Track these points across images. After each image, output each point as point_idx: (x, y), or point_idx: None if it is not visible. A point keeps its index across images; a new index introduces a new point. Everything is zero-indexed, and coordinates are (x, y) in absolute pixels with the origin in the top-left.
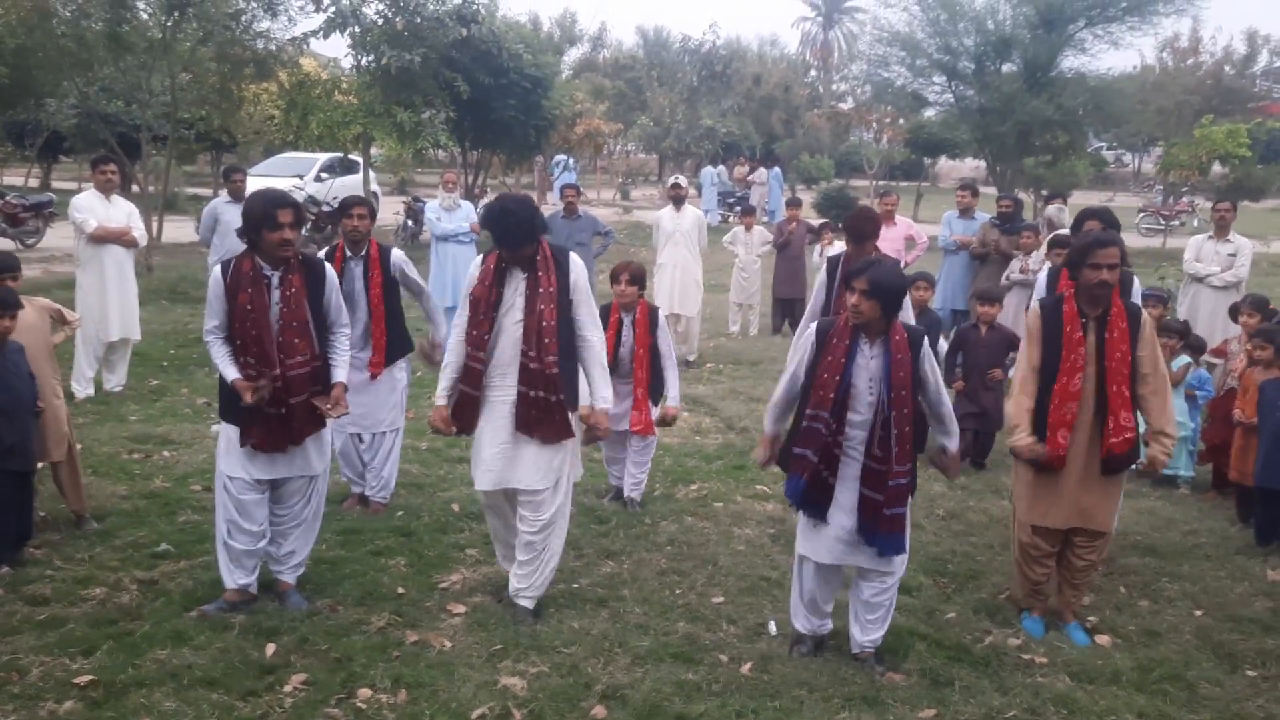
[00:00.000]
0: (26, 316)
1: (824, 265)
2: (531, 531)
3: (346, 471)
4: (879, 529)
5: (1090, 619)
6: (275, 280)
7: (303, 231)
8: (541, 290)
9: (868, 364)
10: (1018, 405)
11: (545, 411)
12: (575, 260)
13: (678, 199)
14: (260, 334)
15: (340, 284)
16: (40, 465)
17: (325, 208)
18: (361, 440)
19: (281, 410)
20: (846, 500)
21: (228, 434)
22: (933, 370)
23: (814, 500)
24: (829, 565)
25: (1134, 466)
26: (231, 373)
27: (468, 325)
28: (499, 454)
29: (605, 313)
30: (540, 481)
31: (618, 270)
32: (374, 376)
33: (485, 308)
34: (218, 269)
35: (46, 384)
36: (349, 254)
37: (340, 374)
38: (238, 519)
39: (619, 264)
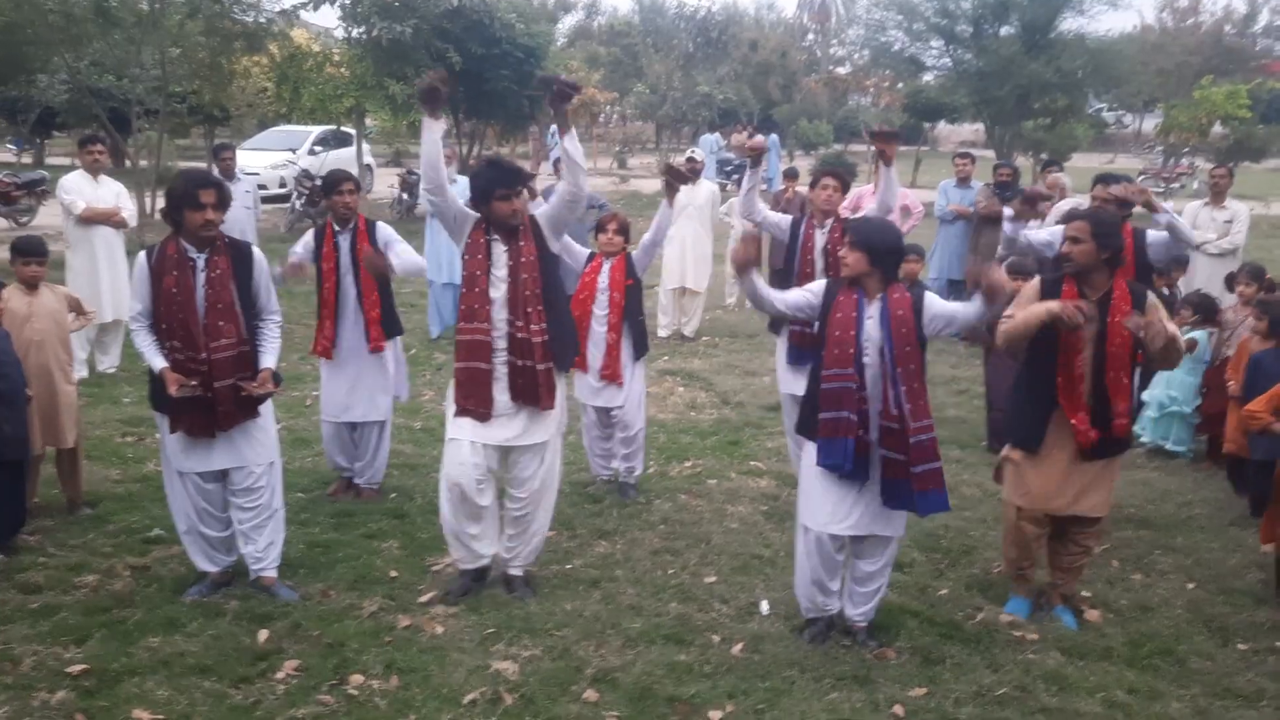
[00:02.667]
0: (47, 301)
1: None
2: (519, 506)
3: (336, 457)
4: (914, 488)
5: (1084, 594)
6: (201, 263)
7: (252, 208)
8: (525, 259)
9: (866, 325)
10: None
11: (534, 380)
12: (539, 213)
13: (693, 173)
14: (186, 318)
15: (331, 261)
16: (47, 450)
17: (319, 181)
18: (353, 428)
19: (207, 394)
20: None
21: (163, 427)
22: (940, 317)
23: (862, 463)
24: (836, 539)
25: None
26: (158, 362)
27: (467, 300)
28: (494, 421)
29: (589, 259)
30: (538, 435)
31: (605, 220)
32: (374, 351)
33: (483, 283)
34: (143, 254)
35: (61, 370)
36: (337, 229)
37: (269, 360)
38: (207, 507)
39: (606, 215)
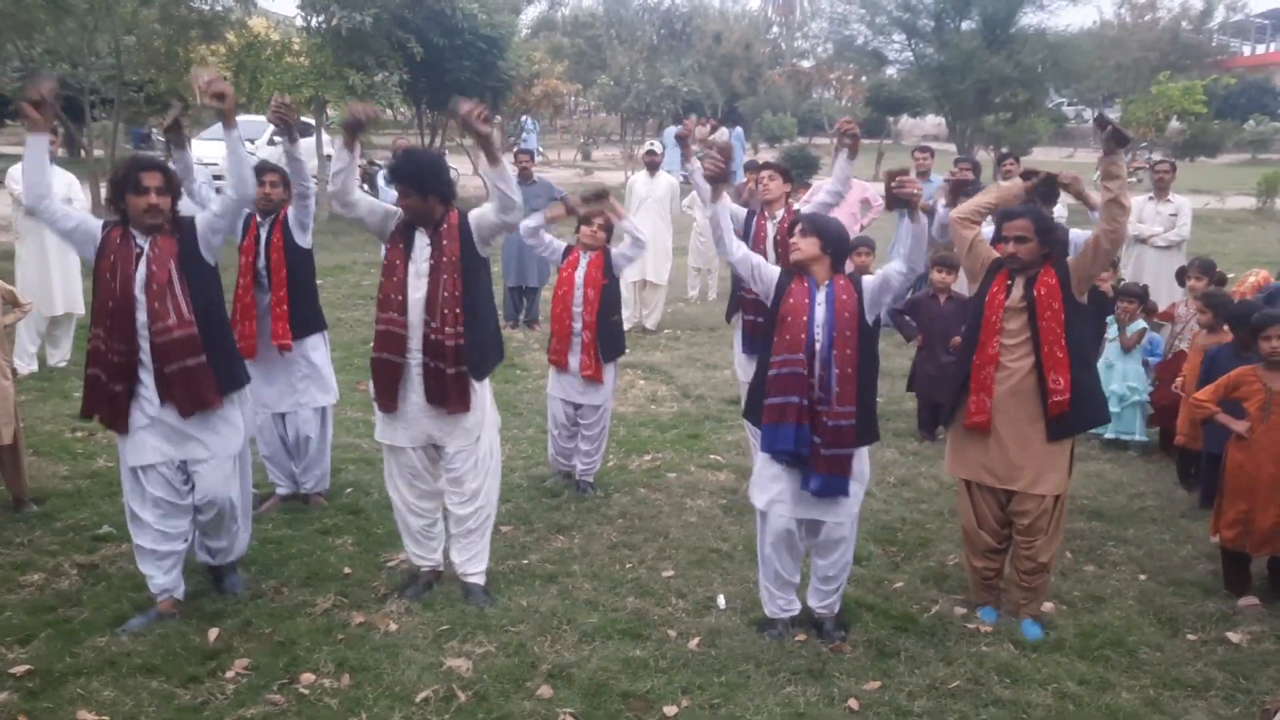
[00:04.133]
0: None
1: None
2: (461, 504)
3: (274, 471)
4: (816, 469)
5: None
6: (145, 249)
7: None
8: (446, 259)
9: (815, 309)
10: None
11: (444, 383)
12: (471, 214)
13: (652, 165)
14: (118, 306)
15: (250, 254)
16: None
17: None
18: (284, 428)
19: (123, 386)
20: None
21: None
22: (873, 286)
23: (807, 449)
24: (789, 528)
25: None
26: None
27: (385, 290)
28: (414, 415)
29: (566, 252)
30: (458, 440)
31: (592, 215)
32: (282, 350)
33: (399, 271)
34: (102, 224)
35: None
36: (259, 220)
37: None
38: (150, 513)
39: (593, 210)
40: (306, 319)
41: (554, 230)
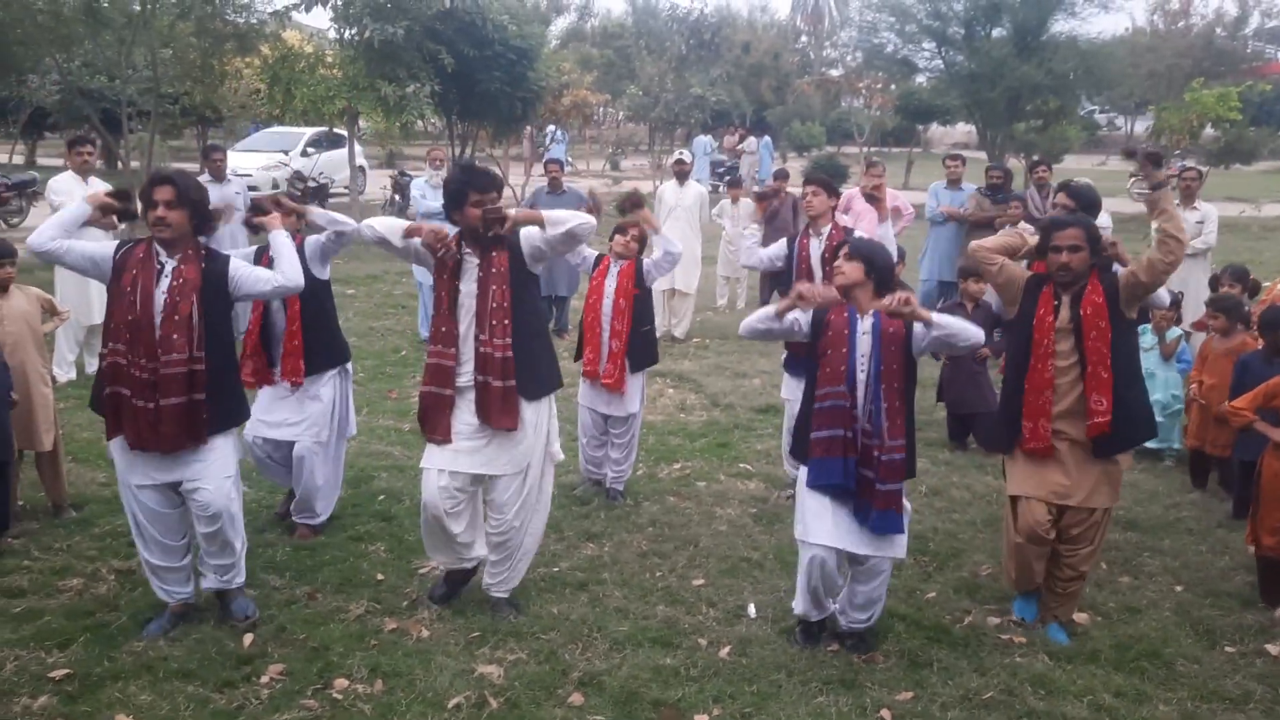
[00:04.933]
0: (18, 303)
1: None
2: (499, 532)
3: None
4: (874, 505)
5: None
6: (168, 269)
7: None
8: (495, 270)
9: (859, 340)
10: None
11: (491, 396)
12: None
13: (681, 174)
14: (136, 319)
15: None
16: (24, 453)
17: (311, 184)
18: (280, 452)
19: (150, 405)
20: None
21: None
22: (932, 328)
23: (854, 481)
24: (833, 556)
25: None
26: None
27: (435, 322)
28: (464, 442)
29: (597, 260)
30: (506, 467)
31: (627, 224)
32: (292, 384)
33: (449, 302)
34: (116, 244)
35: (36, 372)
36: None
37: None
38: (150, 528)
39: (628, 221)
40: (320, 353)
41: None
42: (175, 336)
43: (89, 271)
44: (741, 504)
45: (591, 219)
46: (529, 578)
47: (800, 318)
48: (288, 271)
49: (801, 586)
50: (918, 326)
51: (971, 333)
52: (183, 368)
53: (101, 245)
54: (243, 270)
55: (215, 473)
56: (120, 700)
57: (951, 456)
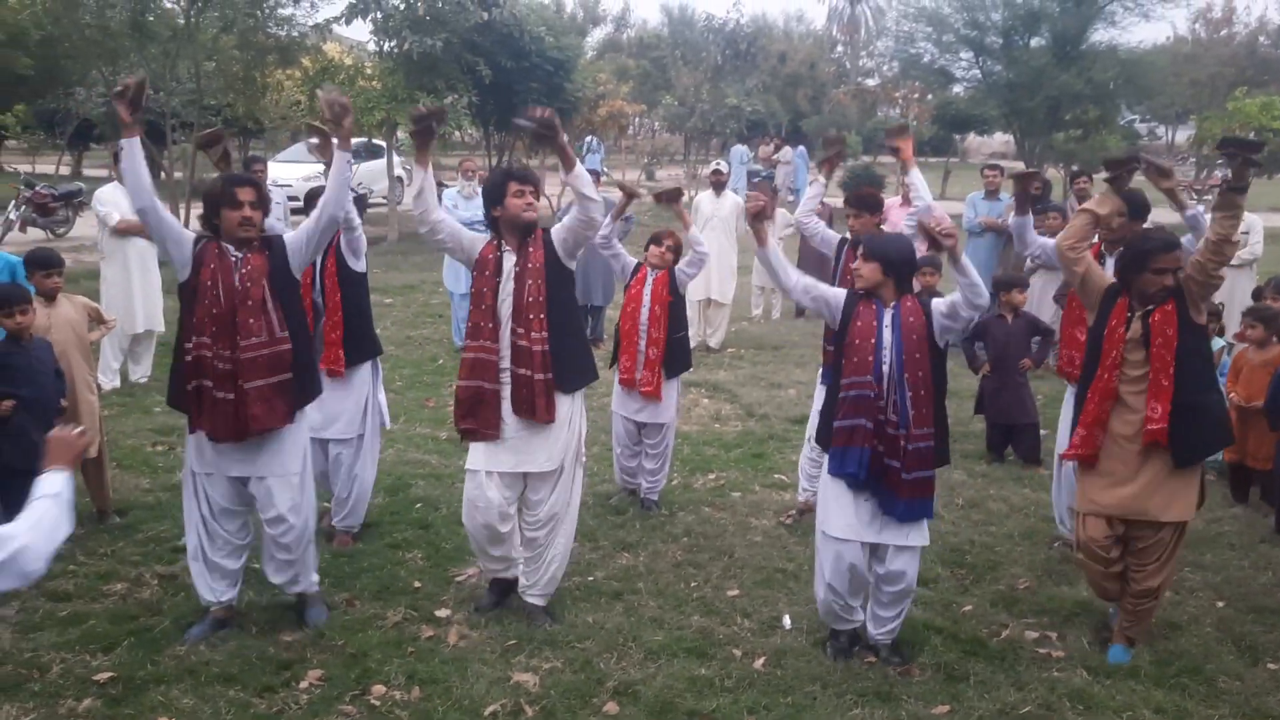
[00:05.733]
0: (64, 312)
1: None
2: (533, 527)
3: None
4: (899, 495)
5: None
6: (238, 262)
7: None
8: (531, 265)
9: (883, 332)
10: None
11: (531, 390)
12: (554, 229)
13: (718, 184)
14: (221, 313)
15: (310, 282)
16: None
17: (357, 192)
18: (325, 455)
19: (230, 395)
20: None
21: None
22: (940, 311)
23: (877, 472)
24: (854, 550)
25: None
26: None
27: (474, 317)
28: (505, 441)
29: (635, 269)
30: (546, 464)
31: (662, 234)
32: (330, 375)
33: (490, 299)
34: (194, 235)
35: (81, 379)
36: None
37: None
38: (219, 526)
39: (665, 230)
40: (360, 344)
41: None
42: (252, 321)
43: (170, 245)
44: (776, 514)
45: (599, 199)
46: (564, 586)
47: (826, 299)
48: (326, 193)
49: (820, 583)
50: (937, 311)
51: (983, 290)
52: (264, 350)
53: (187, 231)
54: (289, 236)
55: (284, 468)
56: (163, 704)
57: (989, 469)
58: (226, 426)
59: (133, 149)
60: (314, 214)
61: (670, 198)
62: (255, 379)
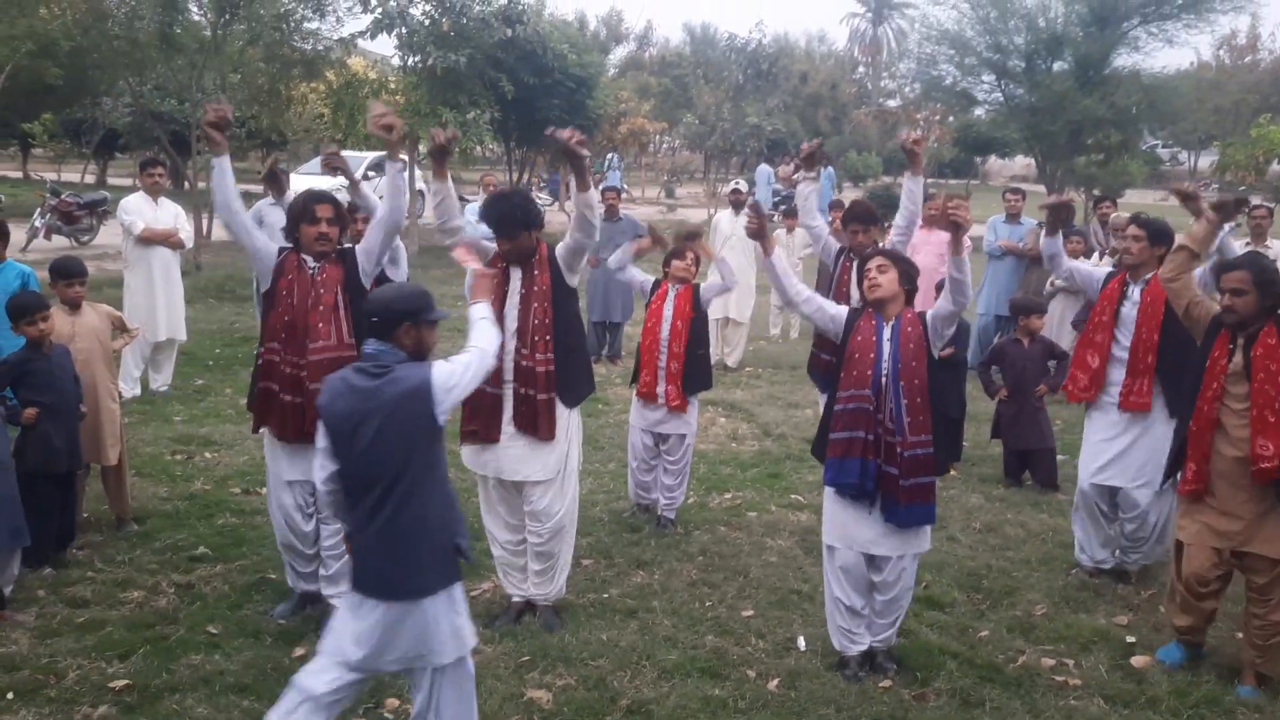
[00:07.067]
0: (89, 320)
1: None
2: (540, 541)
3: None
4: (900, 500)
5: (1129, 639)
6: (315, 272)
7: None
8: (537, 288)
9: (883, 345)
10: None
11: (534, 409)
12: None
13: (737, 204)
14: (294, 319)
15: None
16: (90, 466)
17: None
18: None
19: (298, 399)
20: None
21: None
22: (935, 317)
23: (873, 484)
24: (858, 563)
25: None
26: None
27: None
28: (501, 448)
29: (655, 285)
30: (540, 474)
31: (684, 249)
32: None
33: (498, 305)
34: (275, 248)
35: (104, 387)
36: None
37: None
38: (293, 522)
39: (687, 245)
40: None
41: (640, 264)
42: (322, 325)
43: (257, 253)
44: (792, 535)
45: (598, 225)
46: (579, 603)
47: (829, 313)
48: (386, 204)
49: (830, 600)
50: (933, 319)
51: (968, 289)
52: (331, 354)
53: (270, 243)
54: (359, 248)
55: None
56: (178, 713)
57: (1006, 493)
58: (294, 427)
59: (222, 166)
60: (373, 225)
61: (690, 238)
62: (319, 381)
